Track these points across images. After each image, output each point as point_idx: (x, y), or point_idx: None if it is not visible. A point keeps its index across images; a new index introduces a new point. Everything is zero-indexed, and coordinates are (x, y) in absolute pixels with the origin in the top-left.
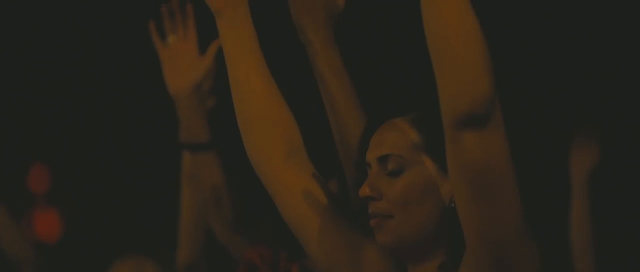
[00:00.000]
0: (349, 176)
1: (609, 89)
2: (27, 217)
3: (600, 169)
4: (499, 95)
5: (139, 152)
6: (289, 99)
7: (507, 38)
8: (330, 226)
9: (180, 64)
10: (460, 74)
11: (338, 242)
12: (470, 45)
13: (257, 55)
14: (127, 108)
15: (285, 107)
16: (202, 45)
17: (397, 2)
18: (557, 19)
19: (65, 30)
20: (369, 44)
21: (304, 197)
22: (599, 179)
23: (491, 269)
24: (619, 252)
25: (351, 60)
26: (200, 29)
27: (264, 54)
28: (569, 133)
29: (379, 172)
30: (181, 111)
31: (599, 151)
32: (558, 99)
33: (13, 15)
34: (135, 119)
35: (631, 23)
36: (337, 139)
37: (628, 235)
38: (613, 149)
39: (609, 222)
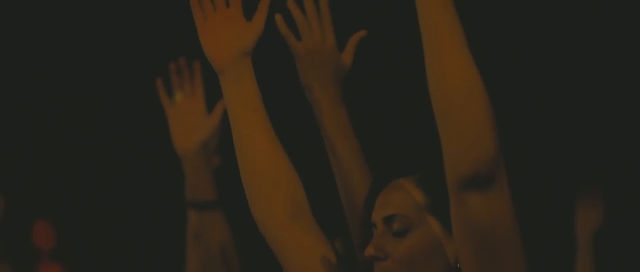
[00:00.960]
0: (355, 235)
1: (614, 149)
2: None
3: (605, 228)
4: (503, 155)
5: (145, 209)
6: (294, 158)
7: (512, 98)
8: None
9: (187, 122)
10: (465, 135)
11: None
12: (474, 106)
13: (261, 115)
14: (133, 165)
15: (289, 166)
16: (209, 103)
17: (403, 64)
18: (561, 80)
19: (71, 87)
20: (375, 104)
21: (308, 257)
22: (604, 238)
23: None
24: None
25: (357, 119)
26: (208, 86)
27: (270, 112)
28: (574, 192)
29: (385, 232)
30: (187, 169)
31: (604, 210)
32: (563, 159)
33: (14, 72)
34: (140, 177)
35: (633, 84)
36: (343, 198)
37: None
38: (618, 209)
39: None
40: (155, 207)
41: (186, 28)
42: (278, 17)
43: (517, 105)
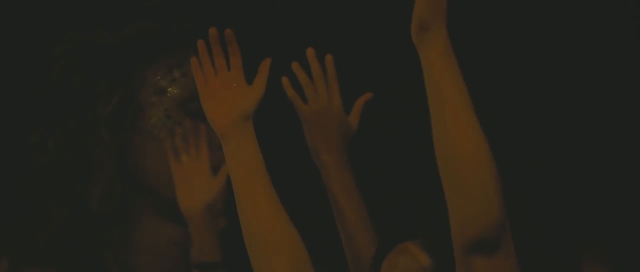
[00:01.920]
0: None
1: (619, 210)
2: None
3: None
4: (509, 219)
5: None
6: (299, 219)
7: (517, 162)
8: None
9: (193, 183)
10: (471, 199)
11: None
12: (481, 171)
13: (263, 178)
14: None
15: (291, 229)
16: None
17: (409, 126)
18: (565, 143)
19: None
20: (381, 166)
21: None
22: None
23: None
24: None
25: (364, 182)
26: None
27: (275, 173)
28: (580, 254)
29: None
30: (192, 230)
31: (609, 271)
32: (568, 221)
33: (12, 138)
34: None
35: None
36: (349, 260)
37: None
38: (623, 268)
39: None
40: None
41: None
42: (285, 80)
43: (523, 168)
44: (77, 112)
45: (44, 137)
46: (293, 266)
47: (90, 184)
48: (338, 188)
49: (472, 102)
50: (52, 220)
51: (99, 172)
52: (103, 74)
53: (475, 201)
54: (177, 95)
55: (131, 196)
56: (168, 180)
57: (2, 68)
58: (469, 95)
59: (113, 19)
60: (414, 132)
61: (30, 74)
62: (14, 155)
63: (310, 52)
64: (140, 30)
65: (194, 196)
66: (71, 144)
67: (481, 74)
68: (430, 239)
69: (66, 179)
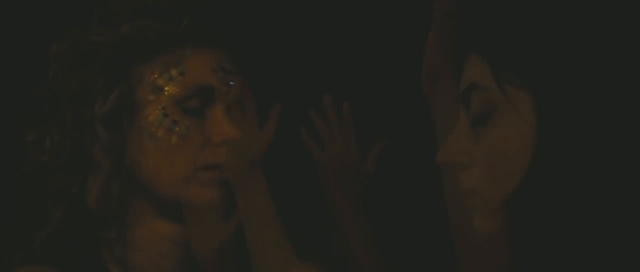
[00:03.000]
0: None
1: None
2: None
3: None
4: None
5: None
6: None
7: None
8: None
9: (205, 227)
10: (483, 253)
11: None
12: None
13: (274, 224)
14: None
15: None
16: None
17: (421, 176)
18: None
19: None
20: (394, 214)
21: None
22: None
23: None
24: None
25: (377, 227)
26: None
27: (288, 219)
28: None
29: None
30: None
31: None
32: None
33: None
34: None
35: None
36: None
37: None
38: None
39: None
40: None
41: None
42: (303, 130)
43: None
44: (74, 110)
45: (40, 136)
46: None
47: (87, 183)
48: (352, 233)
49: None
50: (49, 219)
51: (97, 171)
52: (100, 72)
53: (487, 255)
54: (174, 94)
55: (129, 194)
56: (166, 179)
57: None
58: None
59: (110, 17)
60: (429, 179)
61: (26, 72)
62: (10, 154)
63: (327, 100)
64: (137, 28)
65: (206, 239)
66: (68, 142)
67: None
68: None
69: (63, 178)
